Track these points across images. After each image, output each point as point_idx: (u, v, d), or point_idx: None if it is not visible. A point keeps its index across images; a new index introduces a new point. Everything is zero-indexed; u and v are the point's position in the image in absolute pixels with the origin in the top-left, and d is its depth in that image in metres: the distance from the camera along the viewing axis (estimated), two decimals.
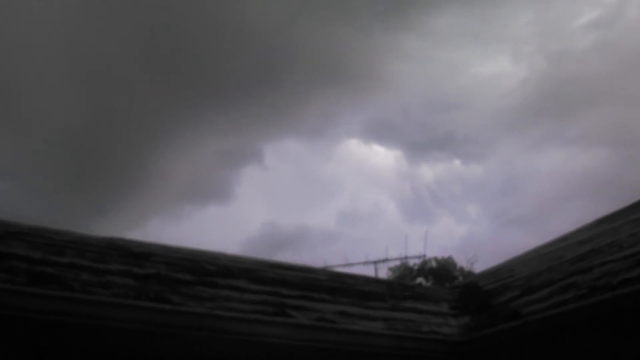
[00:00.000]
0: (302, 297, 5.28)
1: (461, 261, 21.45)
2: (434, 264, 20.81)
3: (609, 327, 3.97)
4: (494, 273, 8.48)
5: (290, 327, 4.02)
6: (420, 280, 19.55)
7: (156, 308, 3.71)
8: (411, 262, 19.92)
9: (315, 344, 4.03)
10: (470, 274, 18.45)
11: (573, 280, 5.01)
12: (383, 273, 17.92)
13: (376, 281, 8.19)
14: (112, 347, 3.71)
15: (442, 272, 20.19)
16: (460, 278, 18.67)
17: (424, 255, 18.38)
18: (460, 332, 4.97)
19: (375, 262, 16.69)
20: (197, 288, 4.79)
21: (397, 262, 19.25)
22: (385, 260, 17.27)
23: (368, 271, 16.75)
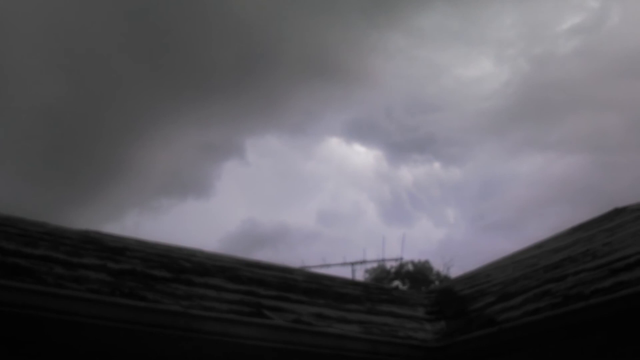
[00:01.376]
0: (278, 298, 5.26)
1: (438, 265, 21.63)
2: (410, 267, 20.95)
3: (583, 336, 4.01)
4: (470, 278, 8.56)
5: (266, 329, 3.99)
6: (396, 283, 19.64)
7: (130, 305, 3.66)
8: (388, 265, 20.06)
9: (290, 346, 4.01)
10: (446, 278, 18.60)
11: (547, 288, 5.06)
12: (360, 274, 17.99)
13: (353, 283, 8.20)
14: (85, 343, 3.64)
15: (418, 275, 20.32)
16: (437, 282, 18.80)
17: (401, 258, 18.51)
18: (435, 337, 4.99)
19: (352, 264, 16.77)
20: (172, 285, 4.74)
21: (375, 264, 19.37)
22: (362, 262, 17.35)
23: (345, 272, 16.81)
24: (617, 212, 8.12)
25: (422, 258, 21.41)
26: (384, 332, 4.83)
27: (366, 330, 4.73)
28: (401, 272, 20.35)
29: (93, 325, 3.57)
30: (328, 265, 15.91)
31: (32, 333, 3.59)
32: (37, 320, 3.50)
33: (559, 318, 4.01)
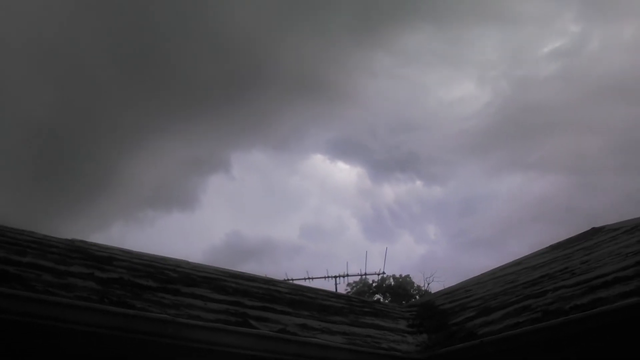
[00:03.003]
0: (264, 309, 5.32)
1: (418, 280, 21.80)
2: (392, 281, 21.07)
3: (562, 350, 4.13)
4: (451, 293, 8.68)
5: (253, 338, 4.04)
6: (378, 297, 19.74)
7: (120, 312, 3.69)
8: (370, 279, 20.16)
9: (276, 355, 4.06)
10: (427, 293, 18.73)
11: (527, 303, 5.18)
12: (342, 288, 18.08)
13: (336, 296, 8.27)
14: (74, 350, 3.66)
15: (399, 290, 20.45)
16: (417, 296, 18.93)
17: (383, 273, 18.63)
18: (418, 349, 5.08)
19: (335, 277, 16.85)
20: (159, 294, 4.77)
21: (357, 278, 19.46)
22: (345, 276, 17.45)
23: (328, 285, 16.88)
24: (595, 232, 8.32)
25: (404, 273, 21.59)
26: (367, 343, 4.91)
27: (350, 341, 4.80)
28: (382, 286, 20.46)
29: (83, 332, 3.59)
30: (311, 279, 16.01)
31: (20, 339, 3.60)
32: (26, 326, 3.51)
33: (539, 332, 4.11)
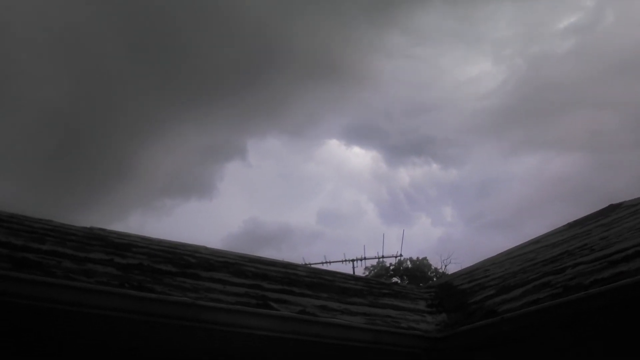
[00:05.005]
0: (283, 291, 5.34)
1: (435, 262, 21.77)
2: (409, 264, 21.06)
3: (583, 325, 4.10)
4: (469, 273, 8.65)
5: (275, 319, 4.06)
6: (395, 279, 19.76)
7: (141, 296, 3.73)
8: (387, 262, 20.16)
9: (298, 336, 4.08)
10: (444, 274, 18.70)
11: (547, 280, 5.15)
12: (359, 271, 18.11)
13: (354, 278, 8.28)
14: (95, 335, 3.71)
15: (417, 272, 20.44)
16: (435, 279, 18.91)
17: (401, 255, 18.65)
18: (437, 328, 5.08)
19: (353, 261, 16.91)
20: (179, 279, 4.81)
21: (374, 262, 19.48)
22: (362, 259, 17.49)
23: (346, 269, 16.92)
24: (613, 208, 8.23)
25: (421, 256, 21.57)
26: (387, 323, 4.92)
27: (370, 321, 4.81)
28: (400, 269, 20.46)
29: (103, 316, 3.63)
30: (329, 262, 16.06)
31: (43, 325, 3.65)
32: (48, 312, 3.56)
33: (560, 307, 4.09)
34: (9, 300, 3.34)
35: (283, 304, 4.70)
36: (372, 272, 20.26)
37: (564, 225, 8.98)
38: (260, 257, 7.77)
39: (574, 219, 8.92)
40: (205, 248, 7.17)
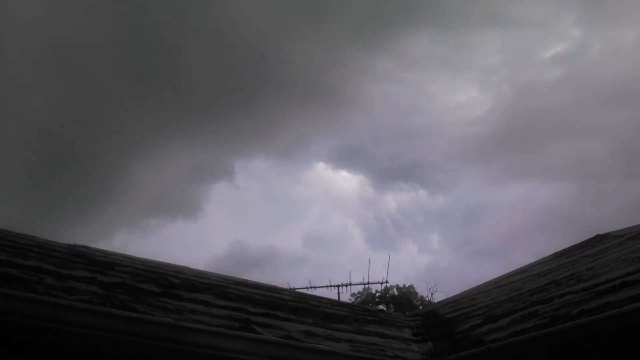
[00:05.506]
0: (267, 315, 5.26)
1: (422, 290, 21.66)
2: (395, 291, 20.94)
3: (570, 356, 4.07)
4: (455, 302, 8.61)
5: (258, 343, 3.98)
6: (381, 307, 19.61)
7: (123, 315, 3.64)
8: (373, 289, 20.04)
9: None
10: (430, 303, 18.61)
11: (534, 310, 5.12)
12: (345, 297, 17.96)
13: (340, 304, 8.20)
14: (75, 353, 3.60)
15: (403, 300, 20.33)
16: (421, 307, 18.80)
17: (387, 282, 18.51)
18: (423, 357, 5.01)
19: (338, 286, 16.76)
20: (162, 299, 4.73)
21: (360, 288, 19.34)
22: (348, 285, 17.34)
23: (331, 295, 16.77)
24: (599, 239, 8.27)
25: (407, 283, 21.47)
26: (372, 351, 4.84)
27: (355, 348, 4.74)
28: (386, 296, 20.34)
29: (85, 335, 3.54)
30: (314, 288, 15.94)
31: (23, 342, 3.55)
32: (28, 328, 3.46)
33: (547, 337, 4.05)
34: None
35: (267, 328, 4.63)
36: (359, 298, 20.13)
37: (550, 255, 9.00)
38: (245, 279, 7.69)
39: (561, 247, 8.97)
40: (189, 269, 7.08)
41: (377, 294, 20.44)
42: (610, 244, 7.34)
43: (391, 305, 20.07)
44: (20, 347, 3.47)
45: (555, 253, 8.87)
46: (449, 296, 10.79)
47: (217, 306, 5.09)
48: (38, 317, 3.41)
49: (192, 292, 5.39)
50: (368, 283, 17.84)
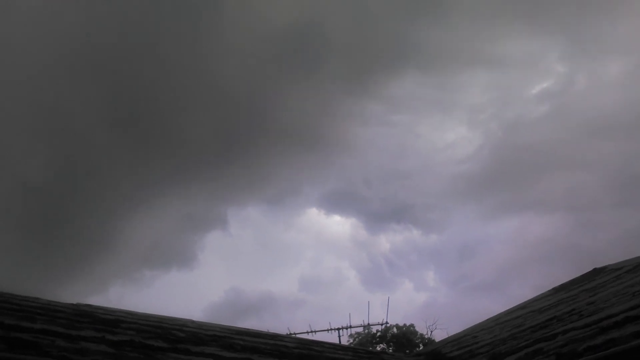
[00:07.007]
0: None
1: (421, 328, 21.53)
2: (395, 330, 20.80)
3: None
4: (457, 340, 8.61)
5: None
6: (382, 346, 19.44)
7: None
8: (373, 329, 19.89)
9: None
10: (430, 341, 18.50)
11: (538, 347, 5.17)
12: (345, 339, 17.80)
13: (343, 348, 8.19)
14: None
15: (403, 339, 20.16)
16: (421, 345, 18.66)
17: (386, 323, 18.42)
18: None
19: (338, 329, 16.65)
20: (171, 355, 4.74)
21: (360, 329, 19.19)
22: (348, 327, 17.24)
23: (331, 338, 16.64)
24: (597, 272, 8.38)
25: (405, 321, 21.36)
26: None
27: None
28: (386, 336, 20.20)
29: None
30: (314, 332, 15.83)
31: None
32: None
33: None
34: None
35: None
36: (357, 339, 19.95)
37: (549, 290, 9.07)
38: (247, 329, 7.69)
39: (557, 277, 9.12)
40: (192, 321, 7.09)
41: (378, 334, 20.29)
42: (607, 277, 7.44)
43: (391, 345, 19.90)
44: None
45: (554, 288, 8.95)
46: (449, 333, 10.79)
47: (225, 358, 5.10)
48: None
49: (198, 346, 5.40)
50: (368, 325, 17.74)
